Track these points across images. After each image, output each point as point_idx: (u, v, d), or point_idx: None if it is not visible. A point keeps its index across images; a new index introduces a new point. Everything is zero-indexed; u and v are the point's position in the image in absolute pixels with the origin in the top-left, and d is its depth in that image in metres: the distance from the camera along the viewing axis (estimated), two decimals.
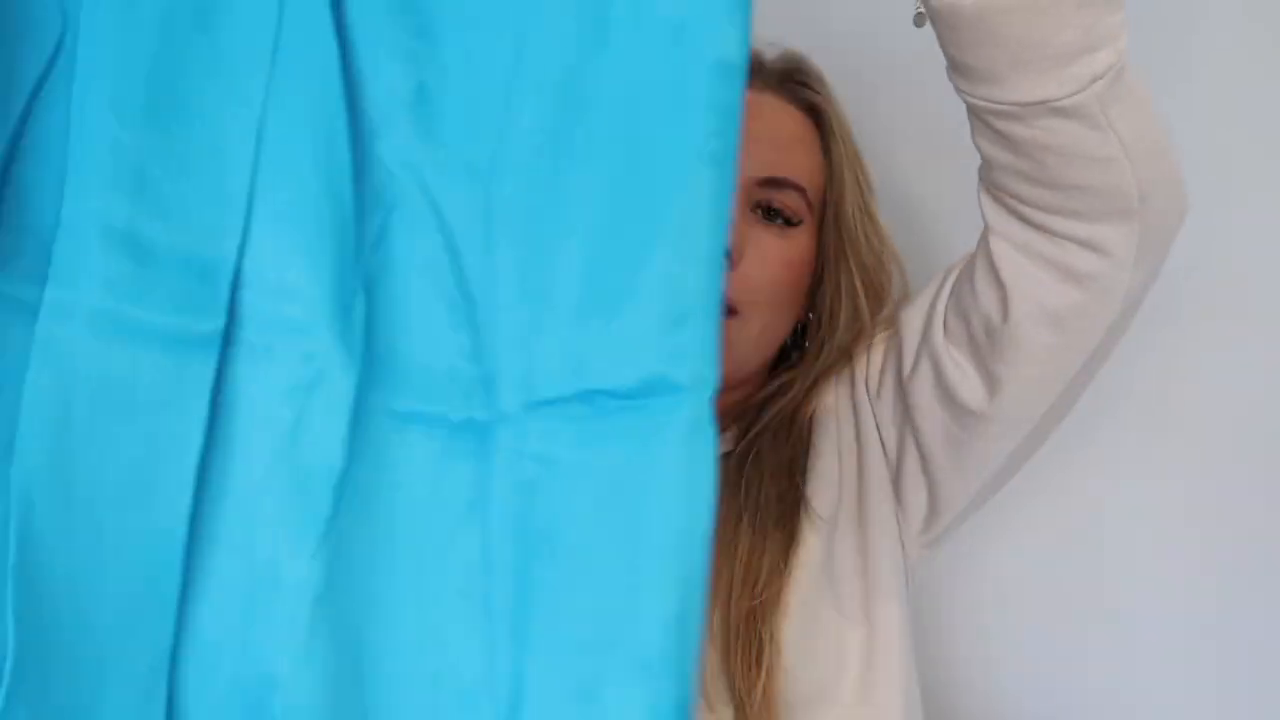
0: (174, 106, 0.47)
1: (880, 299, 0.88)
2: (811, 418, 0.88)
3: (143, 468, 0.46)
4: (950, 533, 0.88)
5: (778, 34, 0.90)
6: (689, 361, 0.44)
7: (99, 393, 0.46)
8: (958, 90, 0.68)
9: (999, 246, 0.72)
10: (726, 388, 0.86)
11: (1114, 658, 1.02)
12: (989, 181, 0.71)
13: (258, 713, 0.46)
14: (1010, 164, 0.68)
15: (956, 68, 0.66)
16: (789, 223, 0.85)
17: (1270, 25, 0.97)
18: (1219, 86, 0.98)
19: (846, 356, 0.88)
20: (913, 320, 0.81)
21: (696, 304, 0.44)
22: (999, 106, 0.65)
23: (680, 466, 0.44)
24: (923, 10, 0.66)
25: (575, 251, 0.45)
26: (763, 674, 0.78)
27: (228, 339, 0.47)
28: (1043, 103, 0.63)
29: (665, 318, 0.44)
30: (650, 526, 0.44)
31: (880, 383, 0.85)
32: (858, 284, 0.87)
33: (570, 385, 0.45)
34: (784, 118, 0.87)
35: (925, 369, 0.79)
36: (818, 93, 0.88)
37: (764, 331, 0.86)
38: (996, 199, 0.71)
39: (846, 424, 0.87)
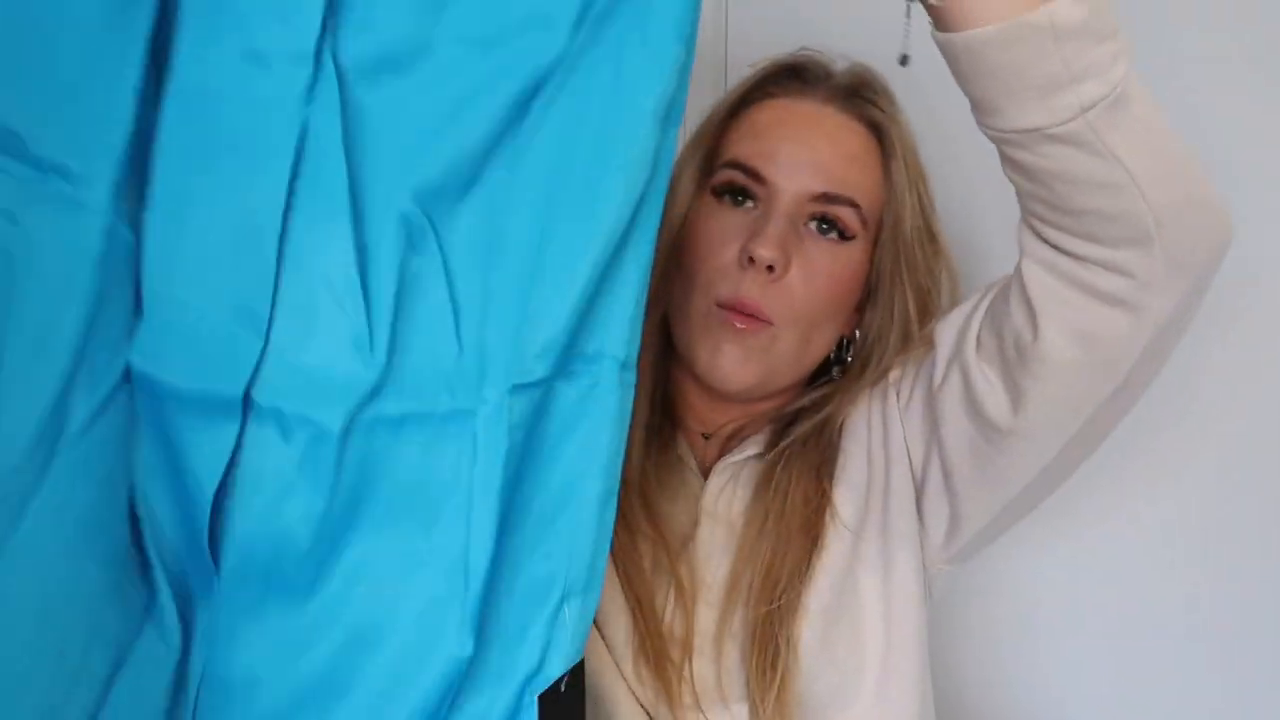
0: (214, 204, 0.58)
1: (929, 320, 0.88)
2: (843, 425, 0.88)
3: (172, 498, 0.59)
4: (974, 551, 0.88)
5: (801, 39, 0.90)
6: (606, 345, 0.62)
7: (151, 440, 0.59)
8: (977, 123, 0.71)
9: (1029, 267, 0.73)
10: (760, 398, 0.89)
11: (1128, 672, 1.03)
12: (1020, 206, 0.73)
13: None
14: (1028, 190, 0.70)
15: (970, 101, 0.70)
16: (843, 236, 0.85)
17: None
18: (1229, 88, 0.99)
19: (885, 372, 0.88)
20: (947, 334, 0.82)
21: (619, 307, 0.62)
22: (1003, 135, 0.68)
23: (591, 416, 0.62)
24: (907, 53, 0.71)
25: (534, 274, 0.60)
26: (778, 678, 0.79)
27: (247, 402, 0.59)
28: (1037, 130, 0.66)
29: (596, 319, 0.61)
30: (576, 463, 0.62)
31: (910, 395, 0.85)
32: (911, 307, 0.87)
33: (532, 374, 0.60)
34: (845, 133, 0.86)
35: (955, 381, 0.80)
36: (883, 110, 0.88)
37: (801, 346, 0.86)
38: (1025, 222, 0.73)
39: (877, 433, 0.87)
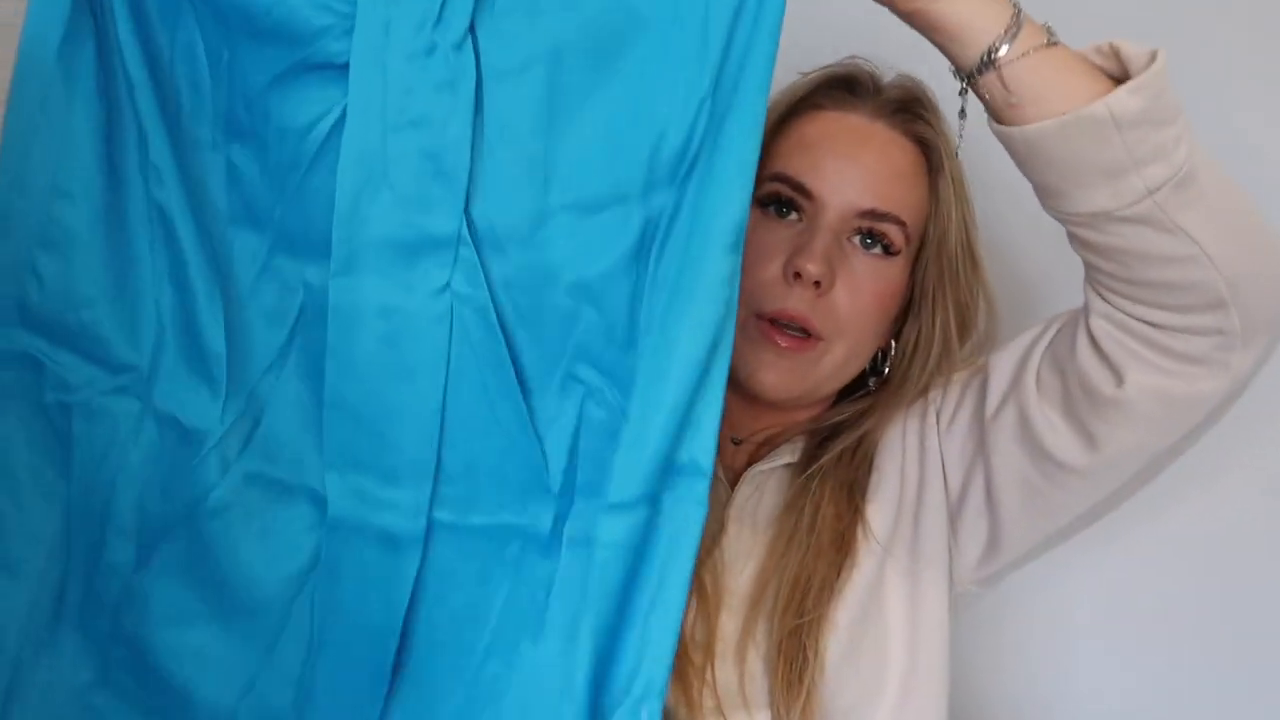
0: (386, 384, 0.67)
1: (968, 337, 0.89)
2: (879, 442, 0.88)
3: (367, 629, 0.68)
4: (1005, 575, 0.88)
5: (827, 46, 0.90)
6: (696, 456, 0.66)
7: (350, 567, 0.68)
8: (1042, 206, 0.73)
9: (1100, 325, 0.74)
10: (798, 407, 0.90)
11: (1162, 695, 1.02)
12: (1087, 276, 0.74)
13: None
14: (1099, 265, 0.72)
15: (1033, 187, 0.72)
16: (888, 252, 0.85)
17: None
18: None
19: (924, 390, 0.89)
20: (1004, 365, 0.82)
21: (706, 421, 0.66)
22: (1069, 217, 0.71)
23: (681, 528, 0.66)
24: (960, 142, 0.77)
25: (627, 399, 0.66)
26: (804, 691, 0.80)
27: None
28: (1104, 213, 0.68)
29: (688, 433, 0.66)
30: (666, 574, 0.66)
31: (953, 418, 0.86)
32: (952, 322, 0.87)
33: (627, 493, 0.66)
34: (893, 149, 0.86)
35: (1010, 414, 0.80)
36: (931, 126, 0.87)
37: (846, 359, 0.86)
38: (1094, 289, 0.74)
39: (912, 451, 0.87)
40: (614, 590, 0.65)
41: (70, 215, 0.68)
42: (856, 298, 0.84)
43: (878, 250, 0.85)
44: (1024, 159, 0.70)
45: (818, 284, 0.83)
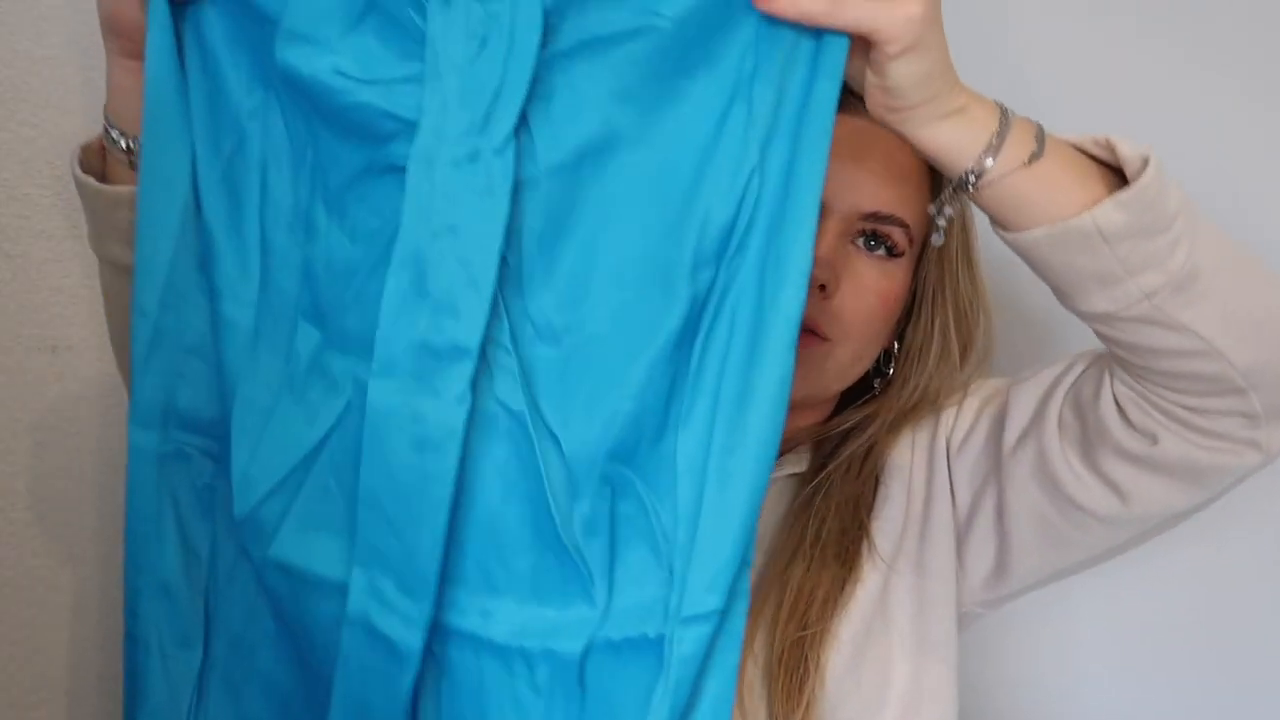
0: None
1: (968, 345, 0.89)
2: (885, 457, 0.88)
3: None
4: (1012, 598, 0.88)
5: None
6: (750, 556, 0.67)
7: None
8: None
9: (1124, 393, 0.74)
10: (804, 409, 0.89)
11: (1161, 711, 1.02)
12: (1109, 354, 0.75)
13: None
14: (1116, 353, 0.72)
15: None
16: (891, 254, 0.86)
17: None
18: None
19: (933, 405, 0.88)
20: (1024, 401, 0.81)
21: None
22: (1079, 314, 0.71)
23: (740, 622, 0.67)
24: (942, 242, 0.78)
25: (698, 507, 0.65)
26: (804, 703, 0.79)
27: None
28: (1105, 315, 0.69)
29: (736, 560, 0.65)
30: (727, 668, 0.67)
31: (965, 441, 0.85)
32: (951, 325, 0.88)
33: (705, 605, 0.65)
34: (895, 151, 0.86)
35: (1029, 452, 0.80)
36: None
37: (852, 361, 0.87)
38: (1121, 367, 0.74)
39: (920, 470, 0.87)
40: (672, 701, 0.65)
41: (207, 325, 0.73)
42: (861, 300, 0.85)
43: (881, 252, 0.86)
44: (1028, 263, 0.71)
45: (823, 287, 0.83)
